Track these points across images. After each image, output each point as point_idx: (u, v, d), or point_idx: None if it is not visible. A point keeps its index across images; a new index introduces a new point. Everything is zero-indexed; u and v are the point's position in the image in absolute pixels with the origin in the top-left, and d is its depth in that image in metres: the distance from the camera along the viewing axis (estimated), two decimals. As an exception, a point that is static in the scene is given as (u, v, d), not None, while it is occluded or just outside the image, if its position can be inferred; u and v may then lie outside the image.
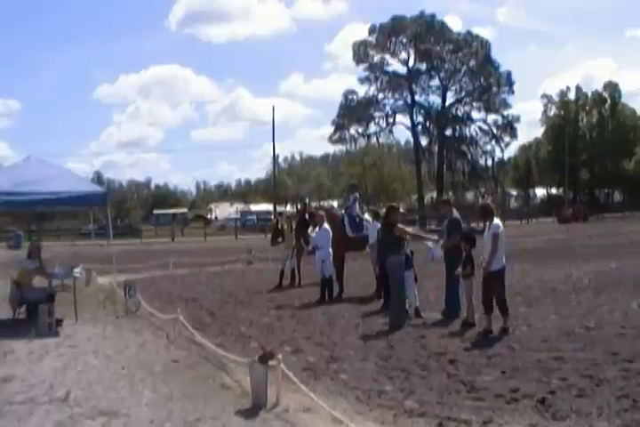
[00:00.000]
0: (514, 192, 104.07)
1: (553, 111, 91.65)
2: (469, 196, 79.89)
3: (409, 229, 12.26)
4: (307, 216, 16.45)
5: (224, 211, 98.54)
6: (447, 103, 74.12)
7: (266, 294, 15.98)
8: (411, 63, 72.27)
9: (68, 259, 20.14)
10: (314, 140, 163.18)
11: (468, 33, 73.79)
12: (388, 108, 74.53)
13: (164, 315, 11.41)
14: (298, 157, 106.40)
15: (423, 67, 73.05)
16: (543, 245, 31.55)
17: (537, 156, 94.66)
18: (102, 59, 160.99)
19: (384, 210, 12.53)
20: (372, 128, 75.09)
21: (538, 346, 8.74)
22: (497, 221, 10.12)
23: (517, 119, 75.47)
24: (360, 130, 74.97)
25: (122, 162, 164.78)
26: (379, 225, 13.49)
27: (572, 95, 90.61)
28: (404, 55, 72.47)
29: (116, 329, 11.40)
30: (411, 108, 72.79)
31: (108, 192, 14.68)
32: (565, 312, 11.34)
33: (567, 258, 22.47)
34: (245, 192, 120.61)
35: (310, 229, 15.95)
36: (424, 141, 75.80)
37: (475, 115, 75.32)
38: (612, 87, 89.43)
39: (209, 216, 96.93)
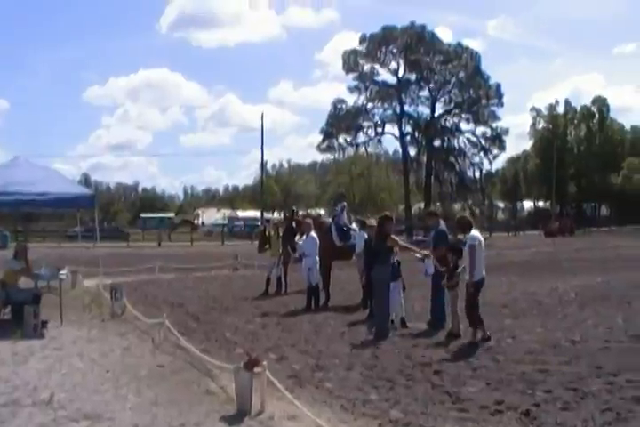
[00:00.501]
0: (501, 204, 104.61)
1: (541, 124, 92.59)
2: (457, 207, 79.90)
3: (400, 242, 12.27)
4: (294, 224, 16.49)
5: (211, 216, 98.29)
6: (436, 114, 74.09)
7: (252, 300, 15.96)
8: (400, 73, 72.27)
9: (54, 260, 19.99)
10: (302, 147, 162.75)
11: (459, 45, 73.97)
12: (376, 117, 74.44)
13: (149, 319, 11.39)
14: (286, 165, 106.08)
15: (413, 77, 72.99)
16: (530, 257, 31.62)
17: (525, 168, 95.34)
18: (92, 60, 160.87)
19: (373, 220, 12.53)
20: (361, 137, 74.93)
21: (523, 358, 8.76)
22: (474, 232, 10.19)
23: (506, 132, 75.62)
24: (348, 139, 74.75)
25: (110, 165, 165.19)
26: (365, 235, 13.52)
27: (560, 109, 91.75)
28: (393, 65, 72.55)
29: (102, 332, 11.33)
30: (399, 118, 72.76)
31: (96, 194, 14.64)
32: (551, 325, 11.37)
33: (554, 271, 22.50)
34: (233, 198, 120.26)
35: (297, 236, 15.98)
36: (412, 152, 75.73)
37: (463, 126, 75.40)
38: (601, 102, 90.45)
39: (196, 221, 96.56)
